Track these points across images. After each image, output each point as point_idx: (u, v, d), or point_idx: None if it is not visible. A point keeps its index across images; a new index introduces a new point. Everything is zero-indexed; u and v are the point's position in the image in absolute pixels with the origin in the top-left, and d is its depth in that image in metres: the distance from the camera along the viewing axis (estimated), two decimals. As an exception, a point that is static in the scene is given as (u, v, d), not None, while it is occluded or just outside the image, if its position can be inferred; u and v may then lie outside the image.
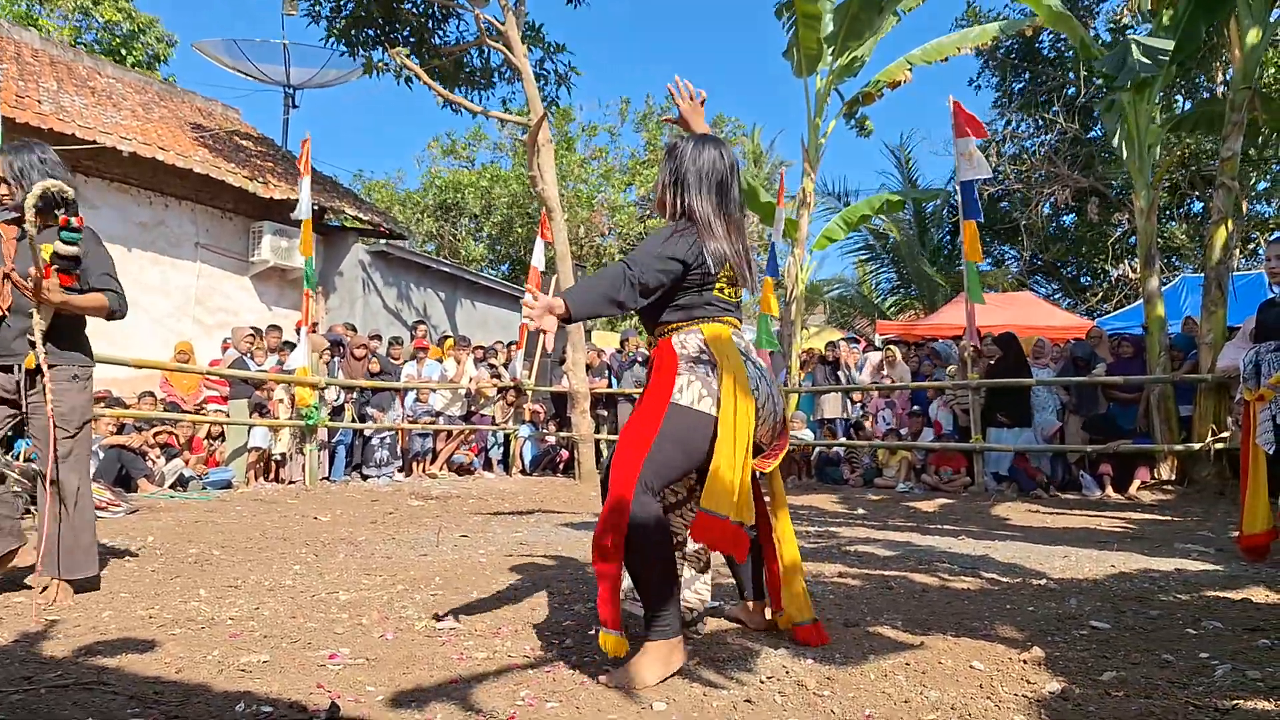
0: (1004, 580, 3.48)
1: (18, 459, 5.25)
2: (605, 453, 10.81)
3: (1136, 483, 7.82)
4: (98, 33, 19.20)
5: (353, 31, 11.13)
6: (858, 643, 2.44)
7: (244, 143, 13.45)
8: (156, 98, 13.33)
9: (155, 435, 8.12)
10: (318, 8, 11.07)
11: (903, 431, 9.20)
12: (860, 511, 6.76)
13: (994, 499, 7.65)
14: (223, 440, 8.86)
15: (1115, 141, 8.82)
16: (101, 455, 7.20)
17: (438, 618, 2.80)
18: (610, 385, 10.82)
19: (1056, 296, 19.77)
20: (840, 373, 10.24)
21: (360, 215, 13.21)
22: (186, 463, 8.21)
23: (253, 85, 18.37)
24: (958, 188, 8.67)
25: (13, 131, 8.14)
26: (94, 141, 9.67)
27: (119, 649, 2.46)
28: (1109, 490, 7.80)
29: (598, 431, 10.25)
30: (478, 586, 3.35)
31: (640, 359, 11.30)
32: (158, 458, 8.00)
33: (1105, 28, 16.91)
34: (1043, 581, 3.45)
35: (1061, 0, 13.50)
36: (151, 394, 8.51)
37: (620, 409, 10.63)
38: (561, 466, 10.76)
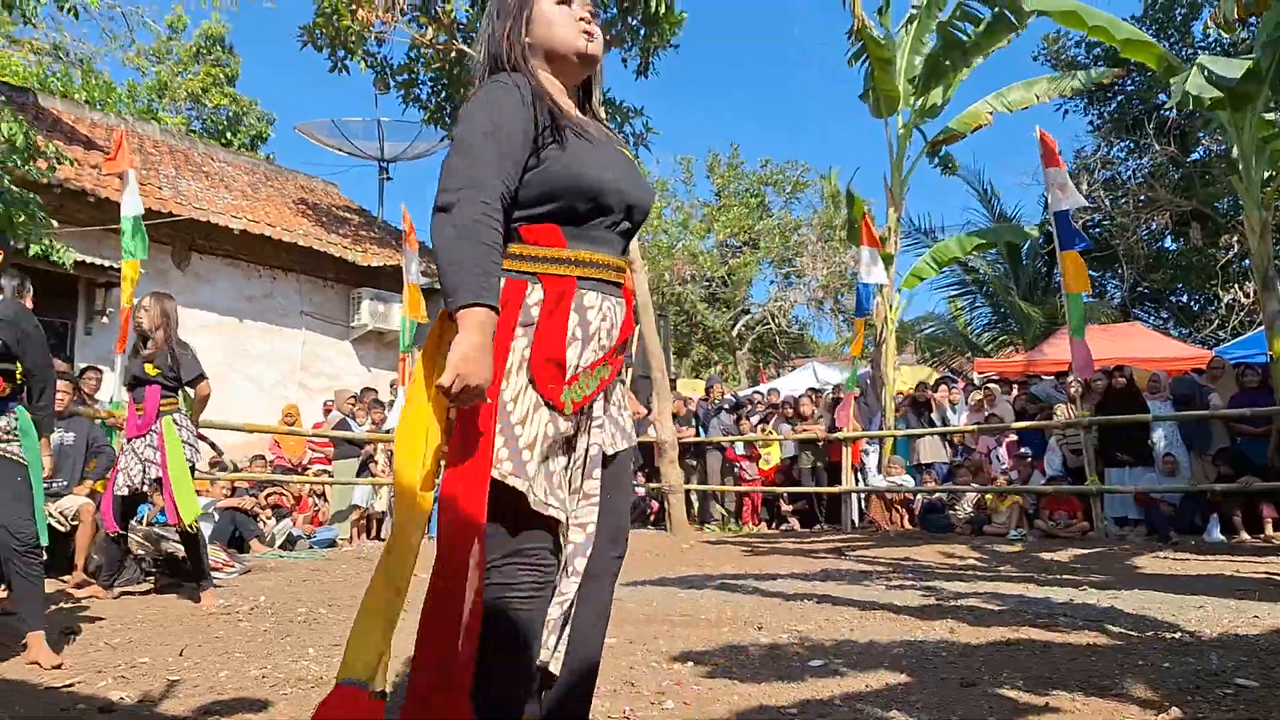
0: (1134, 634, 3.26)
1: (140, 523, 5.55)
2: (696, 503, 10.73)
3: (1269, 523, 7.28)
4: (205, 120, 20.63)
5: (445, 108, 11.67)
6: (977, 704, 2.31)
7: (343, 214, 14.12)
8: (263, 177, 14.17)
9: (266, 496, 8.45)
10: (415, 91, 11.65)
11: (1011, 474, 8.82)
12: (969, 561, 6.48)
13: (1116, 544, 7.23)
14: (326, 500, 9.15)
15: (1234, 153, 8.40)
16: (217, 518, 7.51)
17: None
18: (698, 434, 10.75)
19: (1167, 325, 18.83)
20: (934, 414, 9.93)
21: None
22: (294, 522, 8.50)
23: (349, 161, 19.31)
24: (1052, 218, 8.41)
25: (136, 216, 8.75)
26: (208, 221, 10.32)
27: (235, 709, 2.53)
28: (1242, 533, 7.28)
29: (687, 481, 10.17)
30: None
31: (727, 405, 11.22)
32: (268, 518, 8.31)
33: (1200, 43, 16.34)
34: (1177, 635, 3.21)
35: (1150, 25, 13.09)
36: (262, 457, 8.89)
37: (709, 457, 10.53)
38: (652, 518, 10.70)
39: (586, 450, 1.65)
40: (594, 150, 1.65)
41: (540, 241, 1.62)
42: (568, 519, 1.62)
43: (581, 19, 1.72)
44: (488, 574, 1.53)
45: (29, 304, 3.76)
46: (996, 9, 9.89)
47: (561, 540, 1.63)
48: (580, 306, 1.63)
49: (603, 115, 1.88)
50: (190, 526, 4.65)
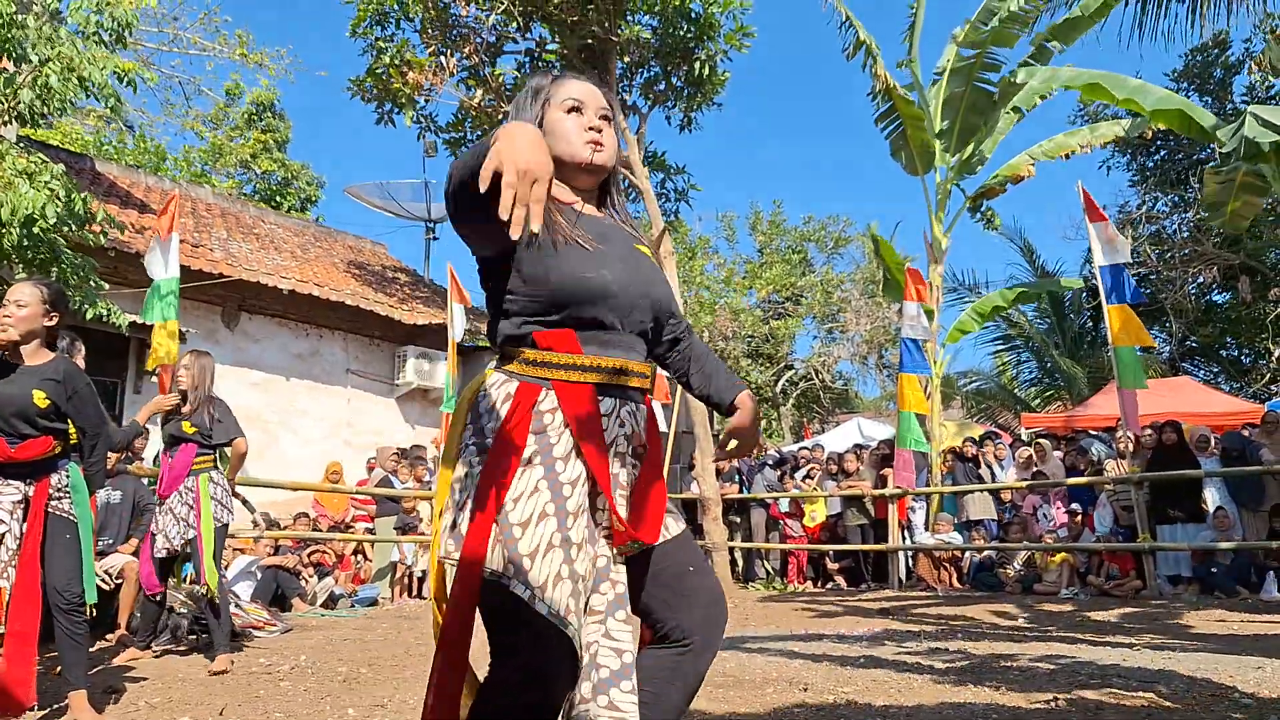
0: (1189, 695, 3.14)
1: (186, 581, 5.61)
2: (741, 561, 10.58)
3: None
4: (256, 183, 21.40)
5: None
6: (1028, 769, 2.24)
7: (390, 274, 14.47)
8: (312, 239, 14.61)
9: (309, 555, 8.51)
10: (461, 149, 11.93)
11: (1062, 532, 8.59)
12: (1019, 621, 6.29)
13: (1171, 603, 6.97)
14: (369, 558, 9.19)
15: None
16: (259, 576, 7.58)
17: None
18: (741, 490, 10.65)
19: (1217, 380, 18.37)
20: (982, 470, 9.73)
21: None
22: (337, 580, 8.54)
23: (396, 222, 19.83)
24: (1097, 272, 8.34)
25: (189, 277, 9.05)
26: (257, 281, 10.64)
27: (276, 768, 2.53)
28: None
29: (731, 538, 10.05)
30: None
31: (771, 461, 11.11)
32: (310, 576, 8.36)
33: (1240, 97, 16.23)
34: (1234, 696, 3.08)
35: (1189, 81, 13.06)
36: (305, 514, 8.98)
37: (753, 514, 10.41)
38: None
39: (609, 562, 1.58)
40: (594, 253, 1.60)
41: (555, 347, 1.57)
42: (596, 638, 1.54)
43: (591, 128, 1.68)
44: (487, 681, 1.47)
45: (80, 363, 3.89)
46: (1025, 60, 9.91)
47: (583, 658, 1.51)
48: (597, 412, 1.58)
49: (625, 214, 1.83)
50: (211, 591, 4.65)
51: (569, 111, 1.68)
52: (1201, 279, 16.85)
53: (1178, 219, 18.09)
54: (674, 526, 1.69)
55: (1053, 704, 3.08)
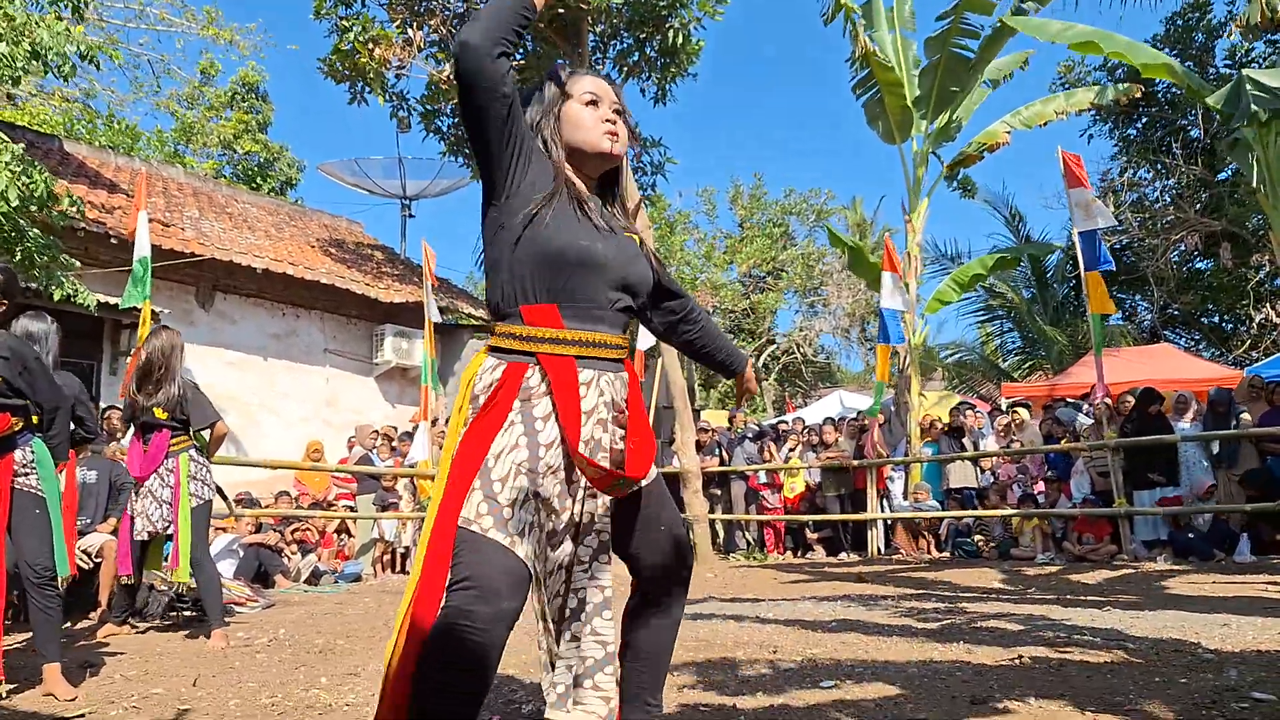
0: (1153, 652, 3.18)
1: (166, 559, 5.58)
2: (722, 533, 10.64)
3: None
4: (236, 165, 21.15)
5: (465, 140, 11.82)
6: (985, 721, 2.27)
7: (366, 252, 14.34)
8: (287, 218, 14.45)
9: (291, 532, 8.50)
10: (436, 121, 11.79)
11: (1039, 499, 8.68)
12: (995, 585, 6.36)
13: (1146, 567, 7.07)
14: (350, 535, 9.19)
15: (1253, 181, 8.29)
16: (241, 554, 7.57)
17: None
18: (722, 463, 10.69)
19: (1199, 347, 18.53)
20: (966, 440, 9.81)
21: (475, 313, 13.79)
22: (319, 558, 8.53)
23: (372, 199, 19.63)
24: (1076, 239, 8.34)
25: (160, 257, 8.94)
26: (231, 261, 10.52)
27: (240, 736, 2.54)
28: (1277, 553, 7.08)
29: (712, 511, 10.10)
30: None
31: (750, 434, 11.15)
32: (293, 553, 8.35)
33: (1222, 61, 16.25)
34: (1198, 652, 3.13)
35: (1170, 47, 13.02)
36: (287, 493, 8.95)
37: (733, 486, 10.46)
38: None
39: (593, 518, 1.79)
40: (591, 228, 1.76)
41: (538, 322, 1.71)
42: (573, 579, 1.78)
43: (607, 120, 1.83)
44: (445, 596, 1.60)
45: (52, 344, 3.86)
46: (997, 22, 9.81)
47: (544, 587, 1.79)
48: (576, 383, 1.73)
49: (624, 206, 1.99)
50: (182, 584, 4.62)
51: (587, 104, 1.84)
52: (1184, 246, 16.93)
53: (1159, 186, 18.15)
54: (651, 472, 1.87)
55: (1017, 661, 3.12)
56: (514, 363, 1.71)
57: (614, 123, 1.84)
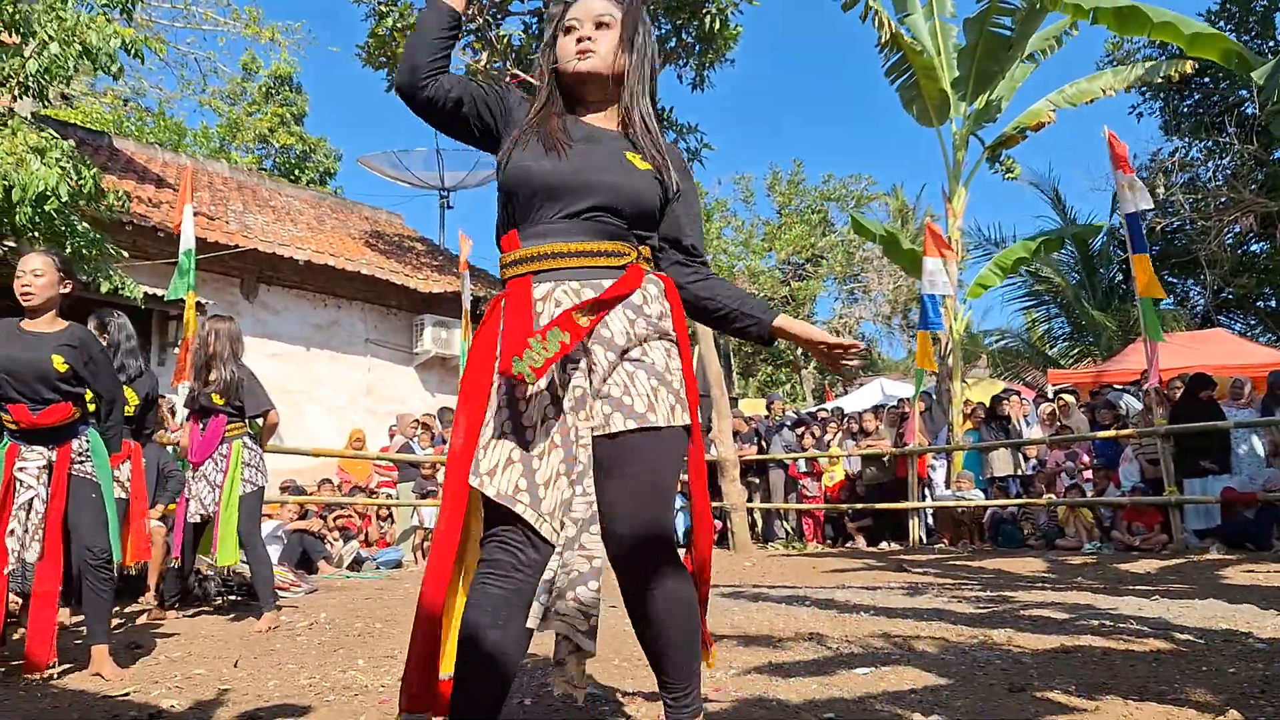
0: (1201, 642, 3.09)
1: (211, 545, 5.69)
2: (759, 521, 10.58)
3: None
4: (274, 158, 21.49)
5: None
6: (1023, 708, 2.22)
7: (406, 244, 14.49)
8: (329, 210, 14.65)
9: (334, 519, 8.65)
10: None
11: (1086, 487, 8.48)
12: (1038, 574, 6.23)
13: (1198, 556, 6.88)
14: (392, 522, 9.31)
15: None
16: (285, 540, 7.71)
17: (590, 694, 2.73)
18: (760, 451, 10.63)
19: (1254, 332, 17.96)
20: (1010, 427, 9.61)
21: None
22: (362, 544, 8.67)
23: (412, 191, 19.82)
24: (1123, 221, 8.12)
25: (205, 249, 9.11)
26: (274, 253, 10.70)
27: (277, 714, 2.58)
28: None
29: (750, 499, 10.05)
30: (637, 655, 3.29)
31: (789, 422, 11.06)
32: (336, 540, 8.49)
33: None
34: (1249, 642, 3.03)
35: (1226, 20, 12.54)
36: (329, 480, 9.10)
37: (771, 475, 10.39)
38: (715, 537, 10.59)
39: (577, 437, 1.62)
40: (550, 147, 1.69)
41: (505, 248, 1.74)
42: (576, 527, 1.61)
43: (582, 39, 1.76)
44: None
45: (115, 337, 4.00)
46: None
47: (537, 533, 1.60)
48: (530, 299, 1.67)
49: (644, 130, 1.80)
50: (226, 569, 4.70)
51: (566, 34, 1.79)
52: (1238, 228, 16.38)
53: (1213, 165, 17.57)
54: (635, 421, 1.63)
55: (1060, 650, 3.05)
56: (495, 297, 1.76)
57: (589, 39, 1.75)
